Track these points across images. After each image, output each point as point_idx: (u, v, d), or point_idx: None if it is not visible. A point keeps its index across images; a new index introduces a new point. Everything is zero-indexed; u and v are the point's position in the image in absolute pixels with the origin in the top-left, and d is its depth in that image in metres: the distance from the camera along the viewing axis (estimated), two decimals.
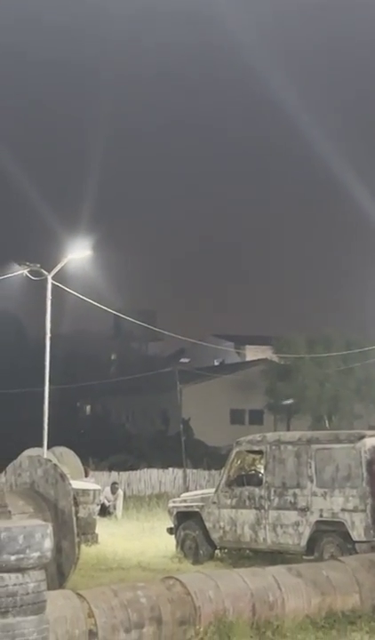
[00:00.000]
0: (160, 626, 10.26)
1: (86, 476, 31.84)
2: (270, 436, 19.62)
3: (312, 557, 17.14)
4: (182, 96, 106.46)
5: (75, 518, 14.19)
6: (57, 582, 13.17)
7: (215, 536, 18.98)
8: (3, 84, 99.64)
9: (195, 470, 44.36)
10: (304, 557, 17.31)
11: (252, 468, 19.26)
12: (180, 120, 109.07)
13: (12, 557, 7.27)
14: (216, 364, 72.60)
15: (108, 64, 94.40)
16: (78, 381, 53.20)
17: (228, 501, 18.81)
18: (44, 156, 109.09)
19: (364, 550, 16.24)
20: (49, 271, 30.76)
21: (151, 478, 42.88)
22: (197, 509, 19.36)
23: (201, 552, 19.10)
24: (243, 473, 19.13)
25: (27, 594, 7.39)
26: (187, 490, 36.48)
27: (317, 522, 17.42)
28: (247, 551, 18.91)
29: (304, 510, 17.61)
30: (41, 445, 29.16)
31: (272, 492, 18.14)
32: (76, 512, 14.34)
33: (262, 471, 18.67)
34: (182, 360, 72.18)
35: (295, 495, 17.78)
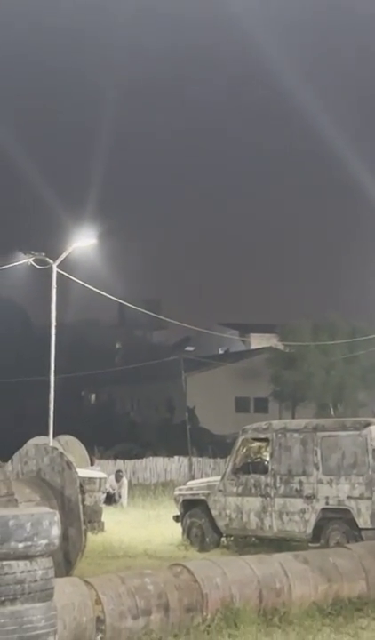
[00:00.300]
0: (167, 613, 10.28)
1: (92, 464, 31.89)
2: (276, 423, 19.62)
3: (318, 545, 17.15)
4: (190, 88, 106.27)
5: (81, 506, 14.21)
6: (64, 570, 13.19)
7: (221, 524, 19.00)
8: (10, 71, 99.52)
9: (200, 458, 44.43)
10: (310, 545, 17.33)
11: (258, 455, 19.26)
12: (187, 110, 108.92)
13: (20, 545, 7.28)
14: (221, 352, 72.67)
15: (119, 52, 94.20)
16: (83, 370, 53.26)
17: (234, 489, 18.82)
18: (50, 144, 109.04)
19: (370, 537, 16.26)
20: (54, 260, 30.74)
21: (157, 466, 42.96)
22: (203, 497, 19.38)
23: (207, 540, 19.12)
24: (249, 461, 19.13)
25: (35, 581, 7.40)
26: (192, 478, 36.52)
27: (323, 509, 17.43)
28: (253, 539, 18.92)
29: (310, 498, 17.62)
30: (47, 434, 29.20)
31: (278, 480, 18.15)
32: (83, 500, 14.36)
33: (268, 459, 18.67)
34: (187, 348, 72.21)
35: (301, 483, 17.79)
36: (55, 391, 30.00)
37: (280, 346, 57.01)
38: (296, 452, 18.04)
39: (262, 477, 18.43)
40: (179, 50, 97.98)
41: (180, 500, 20.09)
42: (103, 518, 23.28)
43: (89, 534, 15.50)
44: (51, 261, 30.64)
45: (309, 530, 17.55)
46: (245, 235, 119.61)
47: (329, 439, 17.70)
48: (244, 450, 19.27)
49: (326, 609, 11.67)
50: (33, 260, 30.76)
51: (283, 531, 17.95)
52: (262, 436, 18.94)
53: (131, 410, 65.40)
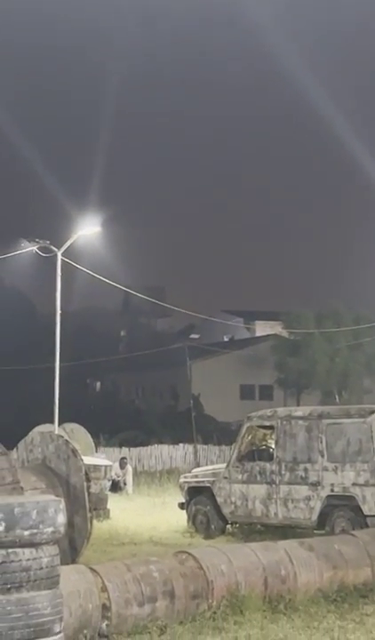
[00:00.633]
0: (173, 600, 10.31)
1: (97, 452, 31.91)
2: (281, 411, 19.64)
3: (323, 532, 17.19)
4: (193, 73, 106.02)
5: (86, 494, 14.24)
6: (69, 557, 13.23)
7: (226, 511, 19.03)
8: (11, 55, 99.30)
9: (205, 446, 44.45)
10: (315, 532, 17.36)
11: (263, 443, 19.28)
12: (191, 97, 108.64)
13: (26, 532, 7.28)
14: (225, 339, 72.62)
15: (120, 39, 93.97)
16: (88, 358, 53.28)
17: (239, 476, 18.85)
18: (54, 132, 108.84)
19: None
20: (58, 248, 30.72)
21: (162, 454, 42.99)
22: (208, 484, 19.41)
23: (212, 527, 19.16)
24: (254, 448, 19.16)
25: (41, 568, 7.41)
26: (197, 465, 36.57)
27: (328, 496, 17.46)
28: (258, 526, 18.97)
29: (315, 485, 17.64)
30: (52, 422, 29.22)
31: (283, 467, 18.17)
32: (88, 487, 14.39)
33: (273, 446, 18.69)
34: (192, 336, 72.20)
35: (306, 470, 17.80)
36: (60, 379, 30.00)
37: (285, 333, 56.97)
38: (301, 440, 18.05)
39: (267, 465, 18.45)
40: (180, 33, 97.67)
41: (185, 488, 20.12)
42: (109, 506, 23.32)
43: (94, 522, 15.54)
44: (55, 249, 30.61)
45: (314, 517, 17.58)
46: (250, 222, 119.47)
47: (334, 426, 17.71)
48: (249, 437, 19.28)
49: (331, 596, 11.70)
50: (37, 248, 30.73)
51: (289, 518, 17.98)
52: (267, 423, 18.96)
53: (135, 397, 65.44)
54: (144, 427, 50.96)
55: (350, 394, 52.74)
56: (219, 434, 46.77)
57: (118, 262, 52.53)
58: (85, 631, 9.51)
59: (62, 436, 16.15)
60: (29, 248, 31.21)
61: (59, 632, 7.55)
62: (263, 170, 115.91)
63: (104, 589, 9.80)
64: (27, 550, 7.33)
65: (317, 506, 17.55)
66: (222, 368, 60.29)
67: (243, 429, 19.36)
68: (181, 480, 20.98)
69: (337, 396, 52.83)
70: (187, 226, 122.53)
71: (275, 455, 18.45)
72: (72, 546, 13.85)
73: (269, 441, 19.07)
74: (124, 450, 41.66)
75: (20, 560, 7.30)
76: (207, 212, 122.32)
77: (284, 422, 18.45)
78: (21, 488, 13.11)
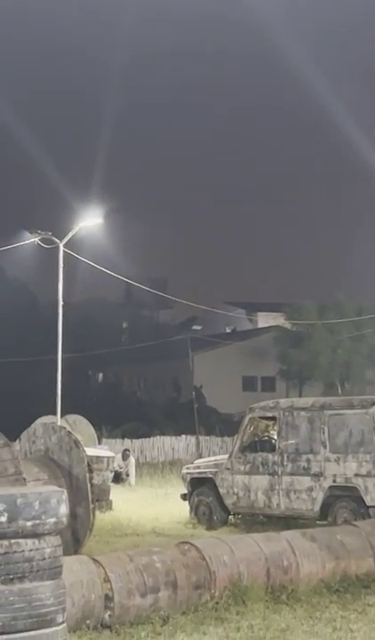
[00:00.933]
0: (175, 590, 10.33)
1: (99, 443, 31.94)
2: (283, 402, 19.64)
3: (325, 522, 17.21)
4: (197, 63, 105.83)
5: (89, 485, 14.26)
6: (72, 548, 13.26)
7: (229, 502, 19.05)
8: (12, 47, 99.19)
9: (207, 437, 44.51)
10: (317, 522, 17.38)
11: (266, 434, 19.30)
12: (193, 90, 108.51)
13: (29, 523, 7.29)
14: (228, 331, 72.64)
15: (123, 30, 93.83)
16: (90, 350, 53.29)
17: (242, 467, 18.87)
18: (56, 124, 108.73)
19: None
20: (61, 239, 30.72)
21: (164, 445, 43.06)
22: (211, 475, 19.43)
23: (215, 518, 19.18)
24: (257, 439, 19.17)
25: (44, 559, 7.42)
26: (200, 456, 36.61)
27: (331, 487, 17.47)
28: (261, 517, 18.99)
29: (317, 476, 17.66)
30: (54, 413, 29.26)
31: (285, 458, 18.18)
32: (91, 479, 14.41)
33: (275, 437, 18.70)
34: (194, 327, 72.18)
35: (308, 461, 17.82)
36: (62, 370, 30.03)
37: (287, 324, 57.02)
38: (303, 431, 18.07)
39: (270, 455, 18.47)
40: (181, 24, 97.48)
41: (188, 479, 20.15)
42: (111, 497, 23.36)
43: (97, 513, 15.56)
44: (57, 241, 30.61)
45: (317, 507, 17.60)
46: (252, 213, 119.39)
47: (336, 417, 17.72)
48: (252, 428, 19.30)
49: (334, 586, 11.72)
50: (39, 240, 30.74)
51: (291, 508, 18.00)
52: (269, 414, 18.97)
53: (138, 389, 65.47)
54: (146, 418, 51.01)
55: (352, 385, 52.80)
56: (222, 425, 46.82)
57: (120, 254, 52.50)
58: (88, 621, 9.54)
59: (65, 428, 16.20)
60: (31, 240, 31.21)
61: (62, 622, 7.57)
62: (265, 162, 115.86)
63: (107, 580, 9.82)
64: (29, 541, 7.34)
65: (319, 497, 17.57)
66: (224, 359, 60.31)
67: (246, 420, 19.38)
68: (184, 471, 21.00)
69: (339, 388, 52.87)
70: (189, 217, 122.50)
71: (277, 446, 18.47)
72: (75, 537, 13.89)
73: (271, 432, 19.08)
74: (127, 441, 41.72)
75: (23, 551, 7.31)
76: (209, 204, 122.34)
77: (287, 413, 18.46)
78: (24, 479, 13.14)
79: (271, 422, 19.06)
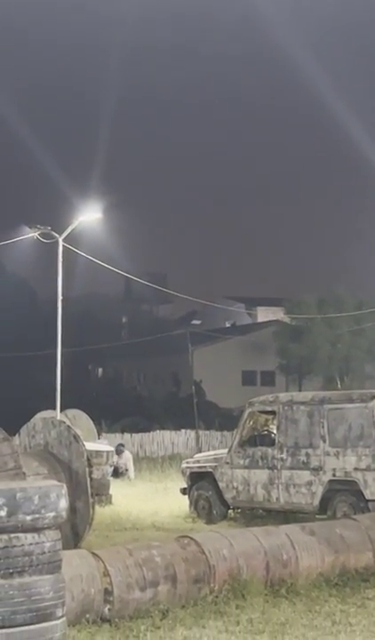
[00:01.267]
0: (175, 584, 10.34)
1: (98, 438, 31.93)
2: (283, 396, 19.65)
3: (325, 516, 17.22)
4: (197, 57, 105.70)
5: (88, 479, 14.27)
6: (72, 542, 13.26)
7: (228, 496, 19.07)
8: (11, 41, 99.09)
9: (207, 431, 44.54)
10: (317, 516, 17.40)
11: (265, 428, 19.31)
12: (193, 83, 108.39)
13: (28, 517, 7.30)
14: (227, 325, 72.66)
15: (123, 25, 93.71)
16: (90, 344, 53.31)
17: (241, 462, 18.88)
18: (56, 119, 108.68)
19: None
20: (60, 234, 30.71)
21: (164, 440, 43.10)
22: (210, 470, 19.44)
23: (214, 512, 19.20)
24: (256, 433, 19.18)
25: (43, 553, 7.43)
26: (199, 451, 36.63)
27: (330, 481, 17.48)
28: (260, 511, 19.01)
29: (317, 470, 17.67)
30: (54, 408, 29.28)
31: (285, 452, 18.20)
32: (90, 473, 14.42)
33: (275, 431, 18.71)
34: (193, 322, 72.21)
35: (308, 455, 17.83)
36: (62, 365, 30.05)
37: (286, 319, 57.02)
38: (303, 425, 18.08)
39: (269, 450, 18.48)
40: (182, 21, 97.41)
41: (188, 473, 20.17)
42: (111, 491, 23.38)
43: (97, 507, 15.57)
44: (56, 235, 30.61)
45: (316, 502, 17.61)
46: (251, 208, 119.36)
47: (335, 411, 17.73)
48: (251, 423, 19.31)
49: (333, 580, 11.73)
50: (39, 234, 30.73)
51: (290, 503, 18.02)
52: (269, 408, 18.98)
53: (137, 383, 65.51)
54: (146, 413, 51.06)
55: (352, 379, 52.81)
56: (221, 419, 46.85)
57: (120, 249, 52.55)
58: (88, 615, 9.55)
59: (64, 422, 16.19)
60: (30, 234, 31.21)
61: (62, 616, 7.58)
62: (265, 156, 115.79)
63: (106, 574, 9.84)
64: (29, 535, 7.35)
65: (319, 491, 17.59)
66: (224, 354, 60.34)
67: (245, 415, 19.39)
68: (183, 465, 21.02)
69: (338, 382, 52.89)
70: (188, 212, 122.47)
71: (276, 440, 18.48)
72: (74, 531, 13.89)
73: (271, 426, 19.09)
74: (126, 436, 41.77)
75: (23, 545, 7.32)
76: (208, 199, 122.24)
77: (286, 407, 18.47)
78: (24, 474, 13.15)
79: (270, 416, 19.07)
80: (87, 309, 64.88)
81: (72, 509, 13.02)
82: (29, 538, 7.35)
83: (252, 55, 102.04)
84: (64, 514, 7.59)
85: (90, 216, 31.93)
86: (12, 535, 7.27)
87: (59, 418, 25.61)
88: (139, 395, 59.06)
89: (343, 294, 53.52)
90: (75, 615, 9.30)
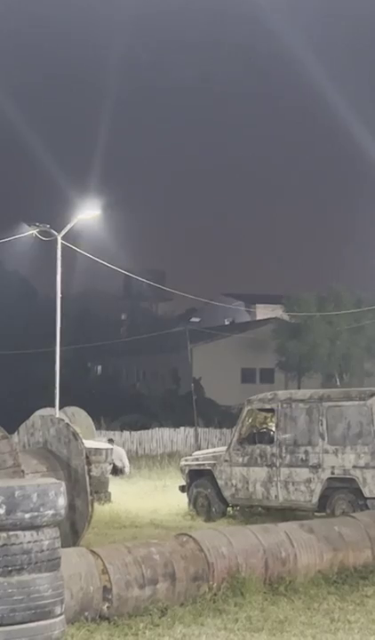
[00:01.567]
0: (173, 582, 10.35)
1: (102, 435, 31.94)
2: (281, 393, 19.66)
3: (323, 514, 17.24)
4: (195, 55, 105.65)
5: (87, 477, 14.27)
6: (71, 540, 13.27)
7: (227, 494, 19.08)
8: (10, 38, 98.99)
9: (206, 429, 44.55)
10: (315, 514, 17.42)
11: (264, 425, 19.32)
12: (192, 81, 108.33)
13: (27, 515, 7.32)
14: (226, 323, 72.61)
15: (122, 22, 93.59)
16: (89, 342, 53.31)
17: (240, 459, 18.89)
18: (55, 115, 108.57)
19: None
20: (59, 231, 30.71)
21: (163, 437, 43.09)
22: (209, 467, 19.45)
23: (213, 510, 19.21)
24: (255, 431, 19.19)
25: (42, 551, 7.45)
26: (198, 448, 36.65)
27: (329, 479, 17.50)
28: (259, 508, 19.02)
29: (316, 467, 17.69)
30: (53, 405, 29.28)
31: (283, 450, 18.21)
32: (89, 471, 14.42)
33: (274, 429, 18.72)
34: (192, 319, 72.19)
35: (307, 452, 17.84)
36: (61, 363, 30.05)
37: (285, 316, 56.98)
38: (301, 422, 18.09)
39: (268, 447, 18.49)
40: (181, 14, 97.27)
41: (186, 471, 20.17)
42: (110, 489, 23.38)
43: (95, 505, 15.58)
44: (55, 233, 30.61)
45: (315, 499, 17.63)
46: (250, 205, 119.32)
47: (334, 409, 17.74)
48: (250, 420, 19.32)
49: (332, 577, 11.75)
50: (38, 232, 30.73)
51: (289, 500, 18.03)
52: (268, 406, 18.98)
53: (137, 381, 65.49)
54: (145, 410, 51.05)
55: (351, 377, 52.82)
56: (220, 417, 46.85)
57: (119, 246, 52.57)
58: (86, 613, 9.56)
59: (63, 420, 16.18)
60: (29, 232, 31.20)
61: (61, 614, 7.60)
62: (264, 153, 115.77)
63: (105, 572, 9.85)
64: (28, 533, 7.37)
65: (318, 488, 17.60)
66: (223, 351, 60.29)
67: (244, 412, 19.39)
68: (182, 463, 21.02)
69: (338, 379, 52.89)
70: (187, 209, 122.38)
71: (275, 438, 18.49)
72: (73, 529, 13.90)
73: (270, 424, 19.10)
74: (125, 433, 41.77)
75: (21, 543, 7.34)
76: (207, 196, 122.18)
77: (285, 405, 18.48)
78: (22, 471, 13.15)
79: (269, 414, 19.08)
80: (86, 307, 64.86)
81: (71, 507, 13.03)
82: (28, 536, 7.37)
83: (252, 54, 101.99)
84: (63, 512, 7.60)
85: (89, 214, 31.93)
86: (11, 533, 7.28)
87: (58, 415, 25.63)
88: (139, 392, 59.04)
89: (342, 292, 53.50)
90: (73, 613, 9.31)
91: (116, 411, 47.83)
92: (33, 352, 47.70)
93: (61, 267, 30.50)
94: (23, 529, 7.33)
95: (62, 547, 7.83)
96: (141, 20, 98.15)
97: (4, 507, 7.21)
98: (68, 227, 31.02)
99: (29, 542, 7.37)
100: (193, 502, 19.63)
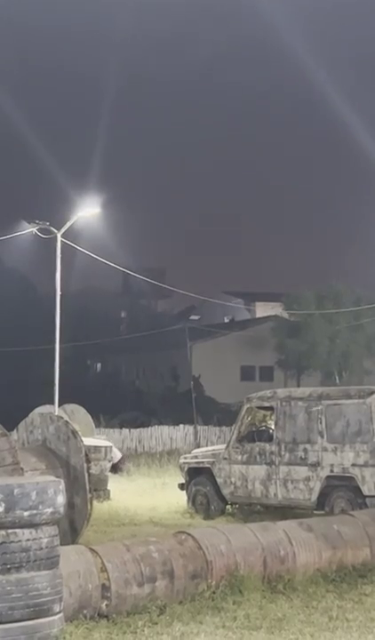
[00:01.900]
0: (172, 580, 10.36)
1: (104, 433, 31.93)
2: (281, 392, 19.67)
3: (322, 512, 17.25)
4: (194, 51, 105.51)
5: (87, 475, 14.27)
6: (70, 538, 13.27)
7: (226, 491, 19.09)
8: (13, 37, 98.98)
9: (205, 427, 44.54)
10: (314, 512, 17.43)
11: (263, 423, 19.33)
12: (192, 79, 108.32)
13: (26, 513, 7.33)
14: (226, 320, 72.63)
15: (122, 20, 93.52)
16: (89, 339, 53.30)
17: (239, 457, 18.90)
18: (54, 113, 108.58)
19: None
20: (58, 229, 30.72)
21: (162, 435, 43.07)
22: (208, 465, 19.46)
23: (212, 507, 19.22)
24: (254, 429, 19.20)
25: (41, 549, 7.46)
26: (197, 446, 36.63)
27: (328, 477, 17.51)
28: (258, 506, 19.03)
29: (315, 465, 17.69)
30: (52, 403, 29.29)
31: (283, 448, 18.22)
32: (88, 468, 14.42)
33: (273, 427, 18.73)
34: (192, 317, 72.18)
35: (306, 451, 17.85)
36: (61, 360, 30.07)
37: (285, 314, 56.94)
38: (301, 421, 18.10)
39: (267, 445, 18.50)
40: (181, 11, 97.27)
41: (186, 468, 20.18)
42: (109, 487, 23.39)
43: (94, 503, 15.59)
44: (55, 230, 30.62)
45: (314, 497, 17.64)
46: (250, 203, 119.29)
47: (333, 407, 17.75)
48: (249, 418, 19.33)
49: (330, 576, 11.76)
50: (37, 230, 30.75)
51: (288, 498, 18.04)
52: (267, 404, 18.99)
53: (136, 378, 65.47)
54: (144, 408, 51.03)
55: (350, 375, 52.78)
56: (220, 415, 46.82)
57: (118, 244, 52.55)
58: (85, 611, 9.57)
59: (62, 418, 16.18)
60: (29, 229, 31.21)
61: (59, 612, 7.61)
62: (263, 152, 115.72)
63: (104, 569, 9.85)
64: (26, 531, 7.38)
65: (317, 486, 17.61)
66: (222, 349, 60.27)
67: (243, 410, 19.40)
68: (181, 461, 21.03)
69: (337, 377, 52.87)
70: (187, 207, 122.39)
71: (274, 436, 18.50)
72: (72, 527, 13.90)
73: (269, 422, 19.11)
74: (124, 431, 41.77)
75: (20, 540, 7.35)
76: (207, 194, 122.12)
77: (284, 403, 18.49)
78: (21, 469, 13.15)
79: (268, 412, 19.09)
80: (86, 304, 64.83)
81: (70, 505, 13.03)
82: (27, 533, 7.38)
83: (252, 52, 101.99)
84: (61, 509, 7.61)
85: (88, 211, 31.93)
86: (10, 531, 7.29)
87: (57, 413, 25.64)
88: (138, 390, 59.02)
89: (342, 290, 53.47)
90: (72, 611, 9.32)
91: (116, 408, 47.82)
92: (32, 349, 47.70)
93: (61, 264, 30.52)
94: (22, 527, 7.34)
95: (61, 544, 7.84)
96: (141, 17, 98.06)
97: (3, 504, 7.22)
98: (68, 224, 31.04)
99: (28, 540, 7.38)
100: (192, 500, 19.65)
